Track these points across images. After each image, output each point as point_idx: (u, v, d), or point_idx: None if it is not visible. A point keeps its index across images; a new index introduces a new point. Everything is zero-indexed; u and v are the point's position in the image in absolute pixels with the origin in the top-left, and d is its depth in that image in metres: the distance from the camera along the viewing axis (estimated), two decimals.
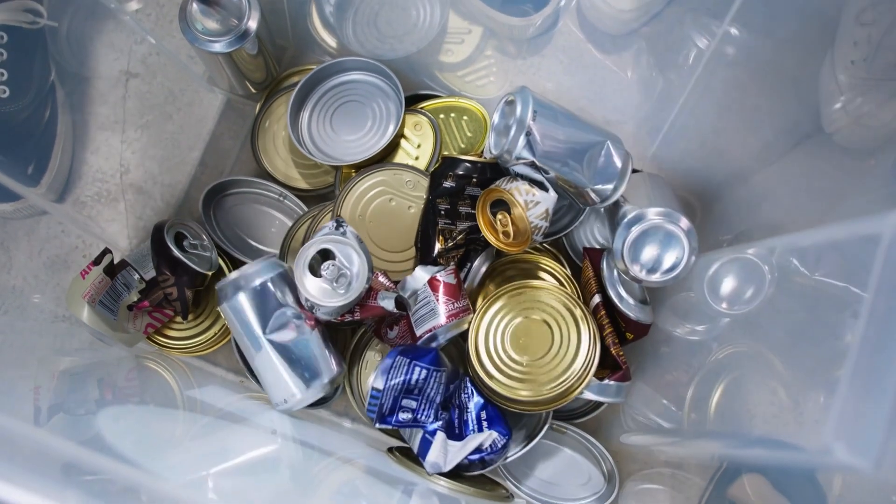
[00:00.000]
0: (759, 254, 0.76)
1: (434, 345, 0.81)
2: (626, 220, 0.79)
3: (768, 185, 0.86)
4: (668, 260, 0.78)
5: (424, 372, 0.78)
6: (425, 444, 0.79)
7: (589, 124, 0.81)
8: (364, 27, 0.93)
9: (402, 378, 0.77)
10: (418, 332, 0.80)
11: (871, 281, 0.51)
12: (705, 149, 0.91)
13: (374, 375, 0.78)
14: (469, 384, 0.82)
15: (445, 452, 0.79)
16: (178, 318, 0.90)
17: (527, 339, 0.82)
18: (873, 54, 0.75)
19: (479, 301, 0.87)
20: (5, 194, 0.89)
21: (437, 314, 0.80)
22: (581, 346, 0.80)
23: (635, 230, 0.78)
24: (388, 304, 0.79)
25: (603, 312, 0.84)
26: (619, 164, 0.80)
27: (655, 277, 0.78)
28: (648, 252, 0.78)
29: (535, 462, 0.89)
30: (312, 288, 0.77)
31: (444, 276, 0.81)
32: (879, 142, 0.75)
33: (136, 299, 0.85)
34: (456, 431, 0.80)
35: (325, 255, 0.78)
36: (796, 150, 0.83)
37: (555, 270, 0.90)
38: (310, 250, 0.77)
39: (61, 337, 0.92)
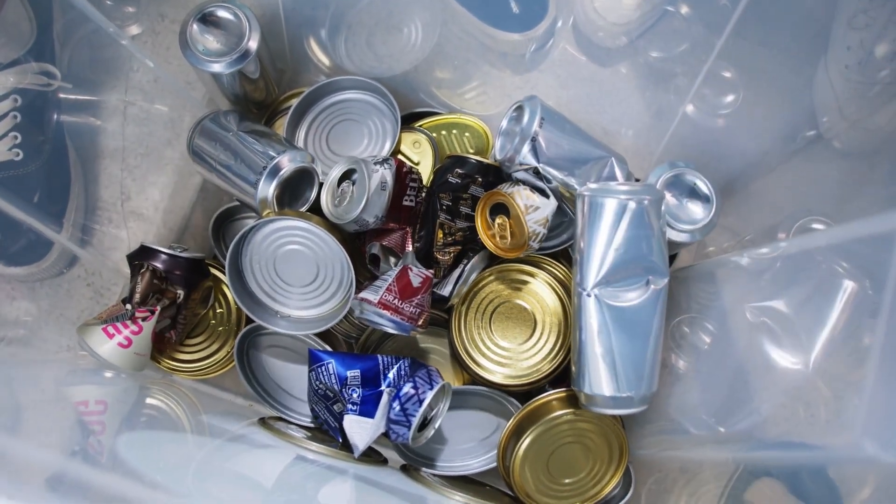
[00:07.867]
0: (766, 256, 0.76)
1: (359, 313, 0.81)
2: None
3: (769, 191, 0.87)
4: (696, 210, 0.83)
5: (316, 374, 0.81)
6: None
7: (595, 140, 0.82)
8: (358, 46, 0.94)
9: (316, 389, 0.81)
10: (359, 294, 0.81)
11: (889, 280, 0.52)
12: (705, 157, 0.91)
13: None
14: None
15: (363, 430, 0.79)
16: (187, 341, 0.90)
17: (509, 322, 0.87)
18: (867, 58, 0.76)
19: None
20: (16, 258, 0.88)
21: (378, 293, 0.80)
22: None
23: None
24: (370, 253, 0.87)
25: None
26: (621, 180, 0.81)
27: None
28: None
29: None
30: (326, 188, 0.85)
31: (414, 275, 0.81)
32: (877, 144, 0.76)
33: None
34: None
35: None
36: (796, 155, 0.84)
37: (552, 281, 0.90)
38: (347, 165, 0.85)
39: (66, 366, 0.91)
